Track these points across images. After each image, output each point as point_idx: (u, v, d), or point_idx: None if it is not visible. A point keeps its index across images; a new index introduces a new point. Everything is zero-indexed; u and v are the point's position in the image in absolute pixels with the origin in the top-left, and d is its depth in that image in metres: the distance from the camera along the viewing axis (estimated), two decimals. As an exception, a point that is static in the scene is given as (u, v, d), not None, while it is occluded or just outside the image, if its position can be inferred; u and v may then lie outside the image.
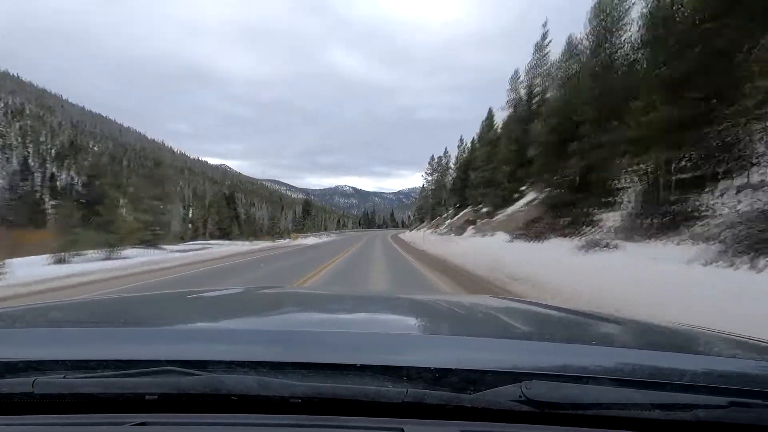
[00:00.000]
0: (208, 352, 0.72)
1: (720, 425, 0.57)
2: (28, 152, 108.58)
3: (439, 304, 1.56)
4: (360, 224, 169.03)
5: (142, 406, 0.61)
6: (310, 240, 36.84)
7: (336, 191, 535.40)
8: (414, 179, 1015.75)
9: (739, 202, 9.45)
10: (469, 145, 45.36)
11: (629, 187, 14.88)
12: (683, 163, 12.10)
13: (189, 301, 1.39)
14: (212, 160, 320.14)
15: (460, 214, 37.23)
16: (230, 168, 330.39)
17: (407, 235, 45.01)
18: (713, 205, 10.10)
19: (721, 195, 10.28)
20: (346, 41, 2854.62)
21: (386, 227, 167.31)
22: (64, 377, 0.63)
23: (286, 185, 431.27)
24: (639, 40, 14.84)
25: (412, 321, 1.25)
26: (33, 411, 0.63)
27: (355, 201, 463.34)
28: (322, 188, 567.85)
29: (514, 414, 0.59)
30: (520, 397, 0.58)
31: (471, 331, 1.08)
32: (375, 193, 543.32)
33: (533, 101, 27.45)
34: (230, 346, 0.75)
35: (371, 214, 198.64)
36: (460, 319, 1.27)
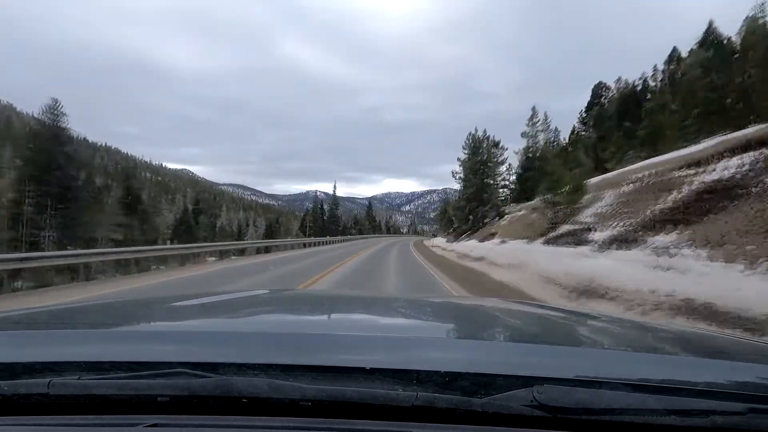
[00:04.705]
0: (219, 354, 0.72)
1: None
2: None
3: (449, 307, 1.58)
4: (305, 228, 77.86)
5: (155, 407, 0.61)
6: None
7: (306, 197, 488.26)
8: (387, 184, 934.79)
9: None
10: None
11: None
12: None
13: (201, 304, 1.37)
14: (172, 165, 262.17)
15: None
16: (192, 173, 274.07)
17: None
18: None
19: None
20: (304, 35, 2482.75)
21: (360, 233, 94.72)
22: (78, 378, 0.62)
23: (252, 190, 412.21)
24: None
25: (422, 324, 1.28)
26: (49, 412, 0.62)
27: (326, 207, 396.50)
28: (291, 194, 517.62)
29: (525, 419, 0.58)
30: (531, 401, 0.57)
31: (482, 335, 1.09)
32: (347, 199, 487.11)
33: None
34: (241, 349, 0.75)
35: (335, 212, 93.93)
36: (471, 322, 1.26)
